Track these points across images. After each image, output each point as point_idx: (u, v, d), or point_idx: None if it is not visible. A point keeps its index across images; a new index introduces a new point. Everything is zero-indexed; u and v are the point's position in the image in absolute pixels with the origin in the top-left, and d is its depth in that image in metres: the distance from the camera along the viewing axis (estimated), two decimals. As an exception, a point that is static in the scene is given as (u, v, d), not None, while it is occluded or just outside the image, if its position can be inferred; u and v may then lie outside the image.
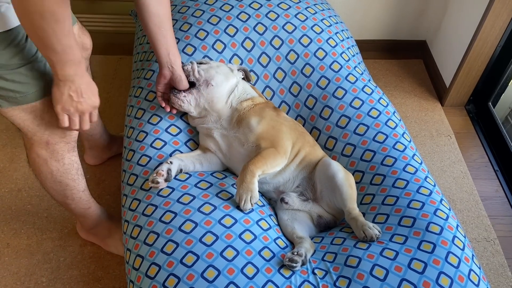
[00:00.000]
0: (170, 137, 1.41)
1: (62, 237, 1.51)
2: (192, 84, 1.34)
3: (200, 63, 1.40)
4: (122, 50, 2.19)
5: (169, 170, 1.24)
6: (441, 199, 1.31)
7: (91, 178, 1.69)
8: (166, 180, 1.23)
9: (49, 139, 1.12)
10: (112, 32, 2.17)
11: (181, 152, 1.39)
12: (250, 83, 1.49)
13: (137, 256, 1.19)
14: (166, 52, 1.24)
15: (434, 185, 1.37)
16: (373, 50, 2.35)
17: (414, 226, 1.22)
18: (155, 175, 1.22)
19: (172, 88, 1.35)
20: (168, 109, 1.37)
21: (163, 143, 1.40)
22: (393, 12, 2.24)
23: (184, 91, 1.32)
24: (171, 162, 1.26)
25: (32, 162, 1.18)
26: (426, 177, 1.38)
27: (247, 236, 1.18)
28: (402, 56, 2.34)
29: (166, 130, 1.42)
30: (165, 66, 1.26)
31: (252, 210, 1.24)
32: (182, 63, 1.34)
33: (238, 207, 1.23)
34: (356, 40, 2.26)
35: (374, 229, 1.20)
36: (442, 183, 1.74)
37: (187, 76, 1.33)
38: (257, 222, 1.23)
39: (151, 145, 1.39)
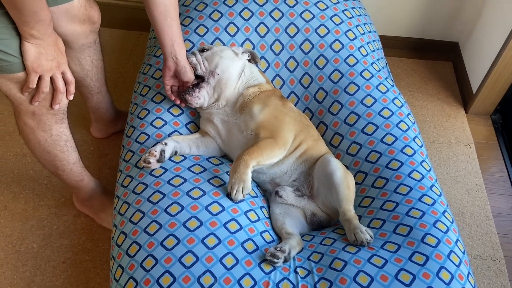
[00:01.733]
0: (171, 117, 1.39)
1: (58, 206, 1.53)
2: (197, 76, 1.31)
3: (202, 50, 1.36)
4: (143, 26, 2.17)
5: (162, 152, 1.22)
6: (444, 211, 1.24)
7: (94, 150, 1.70)
8: (158, 161, 1.21)
9: (35, 109, 1.11)
10: (135, 7, 2.16)
11: (180, 134, 1.37)
12: (258, 67, 1.44)
13: (121, 233, 1.18)
14: (171, 42, 1.21)
15: (440, 195, 1.29)
16: (400, 47, 2.24)
17: (409, 236, 1.15)
18: (147, 154, 1.20)
19: (182, 87, 1.32)
20: (178, 102, 1.35)
21: (163, 122, 1.38)
22: (425, 10, 2.12)
23: (195, 87, 1.29)
24: (165, 144, 1.24)
25: (21, 130, 1.19)
26: (432, 185, 1.31)
27: (232, 226, 1.14)
28: (431, 56, 2.22)
29: (168, 110, 1.40)
30: (169, 57, 1.23)
31: (243, 201, 1.21)
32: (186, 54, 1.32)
33: (229, 195, 1.19)
34: (382, 36, 2.16)
35: (366, 234, 1.14)
36: (454, 194, 1.65)
37: (195, 70, 1.30)
38: (245, 213, 1.20)
39: (151, 123, 1.38)
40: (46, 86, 1.05)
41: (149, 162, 1.20)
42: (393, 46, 2.20)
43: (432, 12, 2.13)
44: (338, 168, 1.24)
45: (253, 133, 1.26)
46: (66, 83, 1.09)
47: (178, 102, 1.35)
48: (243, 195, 1.16)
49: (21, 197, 1.54)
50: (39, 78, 1.03)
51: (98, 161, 1.66)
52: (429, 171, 1.35)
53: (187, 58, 1.29)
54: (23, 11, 0.90)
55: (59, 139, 1.22)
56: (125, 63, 2.02)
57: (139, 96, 1.48)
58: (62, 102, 1.12)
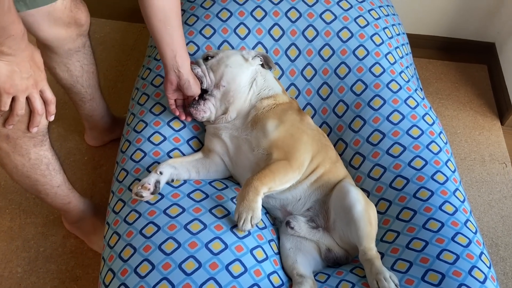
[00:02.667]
0: (171, 132, 1.23)
1: (46, 224, 1.40)
2: (203, 90, 1.17)
3: (207, 58, 1.19)
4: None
5: (157, 183, 1.07)
6: (481, 253, 1.07)
7: (88, 161, 1.55)
8: (152, 193, 1.07)
9: (9, 133, 0.98)
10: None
11: (181, 152, 1.22)
12: (273, 74, 1.27)
13: (109, 270, 1.04)
14: (172, 54, 1.07)
15: (476, 232, 1.12)
16: (429, 47, 2.04)
17: (440, 286, 0.99)
18: (140, 188, 1.05)
19: (187, 100, 1.19)
20: (183, 117, 1.20)
21: (162, 138, 1.22)
22: (459, 6, 1.91)
23: (201, 99, 1.15)
24: (161, 173, 1.09)
25: None
26: (467, 220, 1.14)
27: (236, 268, 1.00)
28: (464, 58, 2.01)
29: (168, 123, 1.24)
30: (171, 70, 1.09)
31: (250, 232, 1.06)
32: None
33: (235, 225, 1.04)
34: (409, 34, 1.95)
35: (390, 282, 0.99)
36: (486, 221, 1.48)
37: (201, 83, 1.15)
38: (251, 251, 1.05)
39: (148, 139, 1.22)
40: (21, 108, 0.91)
41: (142, 196, 1.05)
42: (421, 46, 2.00)
43: (467, 9, 1.92)
44: (358, 200, 1.08)
45: (265, 152, 1.10)
46: (45, 102, 0.95)
47: (183, 117, 1.20)
48: (251, 225, 1.01)
49: (7, 213, 1.42)
50: (13, 99, 0.89)
51: (92, 174, 1.52)
52: (463, 202, 1.18)
53: (193, 69, 1.15)
54: None
55: (39, 163, 1.08)
56: (126, 59, 1.86)
57: (137, 105, 1.32)
58: (41, 123, 0.97)
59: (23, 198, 1.46)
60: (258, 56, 1.21)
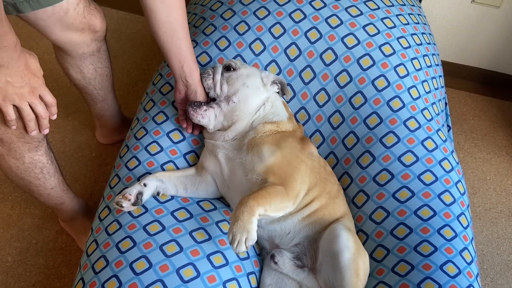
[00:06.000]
0: (169, 144, 1.20)
1: (43, 217, 1.42)
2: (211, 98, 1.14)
3: (229, 68, 1.14)
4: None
5: (139, 195, 1.04)
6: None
7: (95, 157, 1.56)
8: (134, 205, 1.04)
9: (3, 137, 1.00)
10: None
11: (175, 165, 1.18)
12: (283, 99, 1.21)
13: (80, 280, 1.02)
14: (180, 64, 1.06)
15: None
16: (473, 80, 1.87)
17: None
18: (121, 197, 1.03)
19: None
20: (190, 130, 1.18)
21: (159, 148, 1.19)
22: (509, 39, 1.73)
23: (205, 104, 1.12)
24: (145, 185, 1.05)
25: None
26: (470, 285, 1.02)
27: (203, 301, 0.95)
28: (509, 96, 1.83)
29: (167, 134, 1.21)
30: (179, 80, 1.09)
31: (248, 256, 1.04)
32: (202, 70, 1.14)
33: (212, 253, 1.00)
34: (451, 64, 1.82)
35: None
36: (500, 284, 1.33)
37: (208, 91, 1.13)
38: (224, 283, 0.99)
39: (145, 148, 1.20)
40: (28, 114, 0.95)
41: (122, 206, 1.02)
42: (463, 77, 1.84)
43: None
44: (347, 248, 0.99)
45: (260, 178, 1.04)
46: (46, 106, 0.97)
47: (189, 131, 1.18)
48: (246, 246, 0.94)
49: (9, 200, 1.45)
50: (18, 108, 0.93)
51: (96, 171, 1.53)
52: (469, 263, 1.06)
53: (204, 79, 1.12)
54: None
55: (33, 167, 1.10)
56: (151, 58, 1.86)
57: (142, 111, 1.30)
58: (43, 128, 0.99)
59: (25, 188, 1.49)
60: (276, 83, 1.16)
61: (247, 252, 1.09)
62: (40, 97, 0.95)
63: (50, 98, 0.96)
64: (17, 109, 0.93)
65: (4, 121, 0.95)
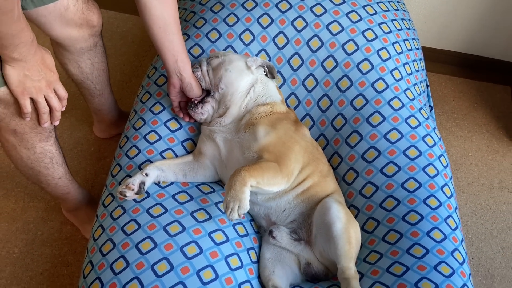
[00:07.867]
0: (167, 132, 1.26)
1: (47, 209, 1.47)
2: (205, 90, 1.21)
3: (212, 57, 1.20)
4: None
5: (142, 184, 1.10)
6: (464, 285, 1.03)
7: (94, 151, 1.61)
8: (137, 194, 1.09)
9: (16, 128, 1.05)
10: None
11: (174, 152, 1.24)
12: (275, 83, 1.27)
13: (89, 262, 1.08)
14: (174, 58, 1.11)
15: (463, 263, 1.08)
16: (451, 64, 1.96)
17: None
18: (124, 187, 1.08)
19: (186, 100, 1.22)
20: (187, 119, 1.24)
21: (157, 137, 1.25)
22: (486, 23, 1.82)
23: (200, 102, 1.18)
24: (146, 174, 1.11)
25: (2, 145, 1.12)
26: (455, 249, 1.10)
27: (207, 275, 1.01)
28: (486, 78, 1.92)
29: (165, 123, 1.27)
30: (173, 74, 1.13)
31: (247, 233, 1.10)
32: (192, 64, 1.19)
33: (214, 231, 1.06)
34: (431, 48, 1.90)
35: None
36: (485, 251, 1.41)
37: (200, 83, 1.19)
38: (226, 258, 1.05)
39: (144, 137, 1.25)
40: (43, 107, 1.00)
41: (126, 196, 1.08)
42: (443, 61, 1.93)
43: (494, 26, 1.83)
44: (339, 218, 1.06)
45: (255, 155, 1.10)
46: (59, 98, 1.03)
47: (187, 119, 1.24)
48: (239, 215, 1.00)
49: (12, 195, 1.49)
50: (33, 100, 0.98)
51: (96, 164, 1.58)
52: (454, 230, 1.14)
53: (194, 72, 1.18)
54: (0, 34, 0.83)
55: (43, 157, 1.15)
56: (143, 55, 1.91)
57: (139, 103, 1.36)
58: (55, 119, 1.06)
59: (29, 182, 1.53)
60: (263, 66, 1.21)
61: (246, 229, 1.15)
62: (54, 91, 1.01)
63: (63, 92, 1.02)
64: (32, 101, 0.98)
65: (18, 113, 1.00)
